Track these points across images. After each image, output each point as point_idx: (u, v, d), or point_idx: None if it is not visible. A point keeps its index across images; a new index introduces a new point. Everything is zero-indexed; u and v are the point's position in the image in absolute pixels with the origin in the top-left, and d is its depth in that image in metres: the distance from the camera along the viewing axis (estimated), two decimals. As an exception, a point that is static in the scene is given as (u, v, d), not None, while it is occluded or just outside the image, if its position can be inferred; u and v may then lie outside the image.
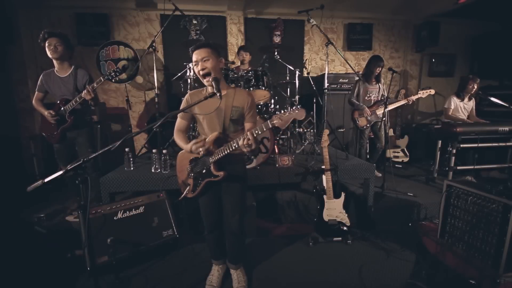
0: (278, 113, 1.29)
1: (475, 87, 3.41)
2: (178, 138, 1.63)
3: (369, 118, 3.25)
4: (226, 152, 1.44)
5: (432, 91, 3.19)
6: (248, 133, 1.31)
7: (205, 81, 1.48)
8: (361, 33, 4.90)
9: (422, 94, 3.19)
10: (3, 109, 3.81)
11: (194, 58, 1.48)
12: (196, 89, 1.70)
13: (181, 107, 1.59)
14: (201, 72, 1.46)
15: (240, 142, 1.33)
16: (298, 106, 1.28)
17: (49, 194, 3.10)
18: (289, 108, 1.28)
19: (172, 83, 4.17)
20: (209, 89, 1.54)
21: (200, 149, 1.45)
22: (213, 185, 1.57)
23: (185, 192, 1.62)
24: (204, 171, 1.54)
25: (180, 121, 1.63)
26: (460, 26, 5.08)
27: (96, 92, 2.32)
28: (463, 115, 3.54)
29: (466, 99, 3.50)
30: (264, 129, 1.29)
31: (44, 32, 2.29)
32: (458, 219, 1.91)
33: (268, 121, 1.28)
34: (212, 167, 1.50)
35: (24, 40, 3.96)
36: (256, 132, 1.30)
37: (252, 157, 2.57)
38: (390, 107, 3.23)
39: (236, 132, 1.58)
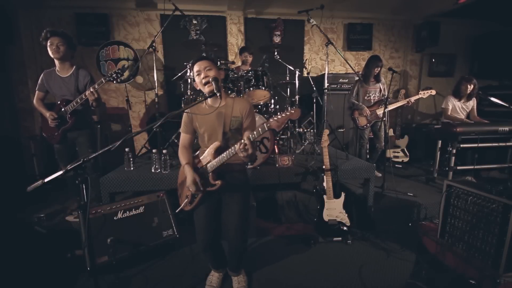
0: (274, 116, 1.30)
1: (469, 87, 3.35)
2: (181, 155, 1.60)
3: (368, 118, 3.25)
4: (224, 160, 1.43)
5: (433, 92, 3.18)
6: (245, 137, 1.30)
7: (206, 88, 1.48)
8: (361, 33, 4.90)
9: (423, 94, 3.18)
10: (3, 109, 3.82)
11: (196, 68, 1.50)
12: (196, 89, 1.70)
13: (183, 121, 1.60)
14: (203, 81, 1.48)
15: (237, 147, 1.31)
16: (293, 107, 1.29)
17: (49, 194, 3.10)
18: (286, 109, 1.30)
19: (172, 83, 4.17)
20: (209, 101, 1.55)
21: (192, 188, 1.48)
22: (210, 196, 1.55)
23: (182, 205, 1.60)
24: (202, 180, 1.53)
25: (184, 136, 1.64)
26: (460, 26, 5.08)
27: (99, 92, 2.31)
28: (461, 115, 3.53)
29: (464, 99, 3.49)
30: (261, 133, 1.28)
31: (46, 31, 2.27)
32: (458, 219, 1.91)
33: (264, 123, 1.28)
34: (210, 176, 1.49)
35: (24, 40, 3.96)
36: (253, 136, 1.29)
37: (249, 163, 2.56)
38: (390, 107, 3.23)
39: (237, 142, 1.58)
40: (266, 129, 1.28)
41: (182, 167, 1.57)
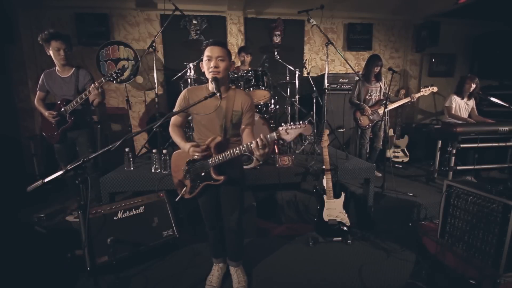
0: (284, 125, 1.26)
1: (473, 86, 3.38)
2: (174, 133, 1.60)
3: (371, 117, 3.25)
4: (227, 158, 1.43)
5: (435, 88, 3.17)
6: (262, 135, 1.27)
7: (211, 75, 1.43)
8: (361, 33, 4.90)
9: (425, 91, 3.17)
10: (3, 109, 3.81)
11: (208, 52, 1.43)
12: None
13: (178, 103, 1.55)
14: (211, 69, 1.42)
15: (254, 145, 1.29)
16: (306, 121, 1.26)
17: (49, 194, 3.10)
18: (297, 122, 1.26)
19: (172, 83, 4.17)
20: (210, 86, 1.52)
21: (197, 154, 1.45)
22: (211, 186, 1.57)
23: (182, 192, 1.62)
24: (203, 174, 1.53)
25: (176, 117, 1.61)
26: (460, 26, 5.08)
27: (104, 89, 2.31)
28: (464, 114, 3.52)
29: (466, 98, 3.49)
30: (269, 140, 1.28)
31: (49, 33, 2.26)
32: (458, 219, 1.91)
33: (274, 132, 1.27)
34: (211, 171, 1.50)
35: (24, 40, 3.96)
36: (266, 138, 1.28)
37: (261, 162, 2.57)
38: (392, 106, 3.22)
39: (236, 136, 1.58)
40: (275, 137, 1.27)
41: (186, 149, 1.52)
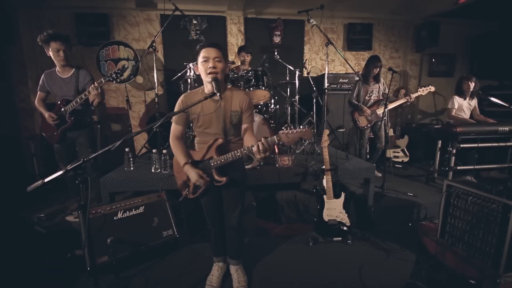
0: (285, 129, 1.28)
1: (471, 84, 3.37)
2: (176, 149, 1.56)
3: (369, 118, 3.25)
4: (229, 160, 1.44)
5: (432, 88, 3.17)
6: (263, 139, 1.29)
7: (208, 77, 1.43)
8: (361, 33, 4.90)
9: (422, 91, 3.17)
10: (3, 109, 3.82)
11: (205, 54, 1.42)
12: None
13: (176, 108, 1.52)
14: (209, 70, 1.41)
15: (255, 149, 1.31)
16: (306, 126, 1.29)
17: (49, 194, 3.10)
18: (297, 126, 1.29)
19: (172, 83, 4.17)
20: (206, 88, 1.52)
21: (201, 184, 1.49)
22: (213, 187, 1.57)
23: (184, 194, 1.63)
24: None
25: (175, 127, 1.57)
26: (460, 26, 5.08)
27: (103, 89, 2.31)
28: (467, 114, 3.51)
29: (468, 98, 3.48)
30: (270, 144, 1.30)
31: (48, 33, 2.25)
32: (458, 219, 1.91)
33: (275, 136, 1.29)
34: (214, 172, 1.51)
35: (24, 40, 3.96)
36: (268, 142, 1.29)
37: (262, 163, 2.60)
38: (391, 106, 3.22)
39: (237, 136, 1.59)
40: (276, 141, 1.29)
41: (182, 164, 1.53)
